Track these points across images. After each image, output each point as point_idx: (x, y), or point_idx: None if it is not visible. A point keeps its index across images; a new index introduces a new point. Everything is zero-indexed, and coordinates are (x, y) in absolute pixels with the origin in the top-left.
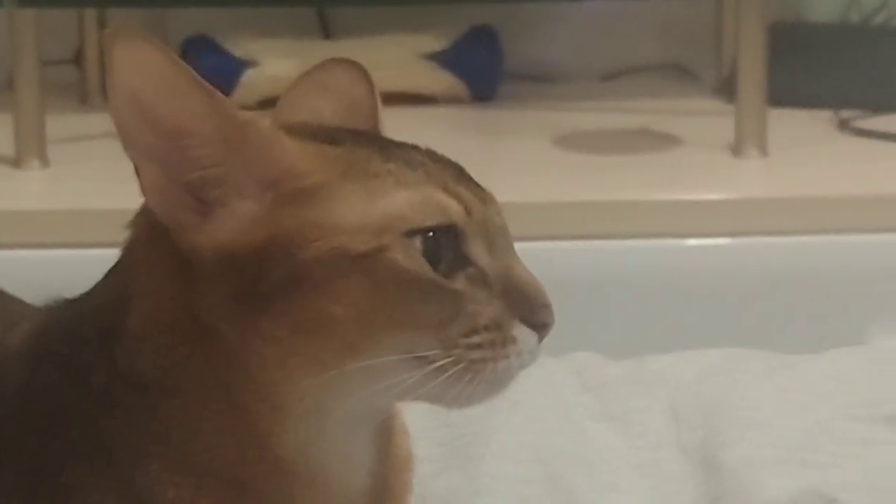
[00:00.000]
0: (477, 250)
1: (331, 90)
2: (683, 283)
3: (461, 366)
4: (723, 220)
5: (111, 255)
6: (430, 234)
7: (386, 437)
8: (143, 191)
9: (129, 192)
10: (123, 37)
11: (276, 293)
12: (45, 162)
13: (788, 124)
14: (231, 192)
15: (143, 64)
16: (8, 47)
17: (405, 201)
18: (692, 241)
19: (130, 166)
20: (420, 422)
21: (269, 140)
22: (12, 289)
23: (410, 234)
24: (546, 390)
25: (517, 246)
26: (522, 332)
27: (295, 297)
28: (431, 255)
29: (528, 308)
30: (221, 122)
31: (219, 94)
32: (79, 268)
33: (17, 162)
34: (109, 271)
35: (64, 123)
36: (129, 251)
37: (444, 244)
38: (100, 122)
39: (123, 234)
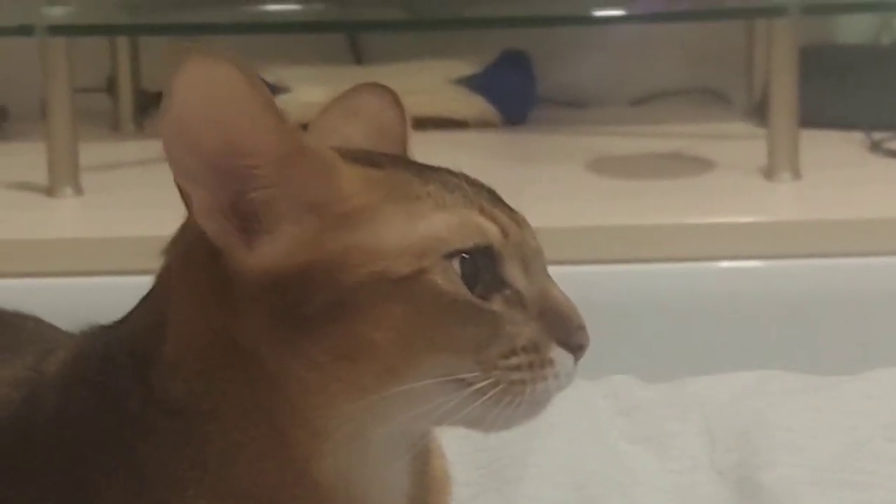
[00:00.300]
0: (513, 272)
1: (360, 116)
2: (717, 306)
3: (500, 387)
4: (756, 243)
5: (145, 283)
6: (467, 256)
7: (423, 461)
8: (196, 215)
9: (163, 220)
10: (195, 55)
11: (319, 318)
12: (78, 190)
13: (821, 146)
14: (280, 215)
15: (214, 80)
16: (40, 76)
17: (444, 223)
18: (725, 264)
19: (163, 194)
20: (456, 446)
21: (327, 165)
22: (47, 316)
23: (449, 256)
24: (582, 413)
25: (550, 270)
26: (559, 354)
27: (337, 322)
28: (469, 278)
29: (565, 330)
30: (285, 144)
31: (286, 115)
32: (113, 295)
33: (50, 190)
34: (144, 298)
35: (97, 151)
36: (164, 278)
37: (481, 266)
38: (133, 149)
39: (157, 262)
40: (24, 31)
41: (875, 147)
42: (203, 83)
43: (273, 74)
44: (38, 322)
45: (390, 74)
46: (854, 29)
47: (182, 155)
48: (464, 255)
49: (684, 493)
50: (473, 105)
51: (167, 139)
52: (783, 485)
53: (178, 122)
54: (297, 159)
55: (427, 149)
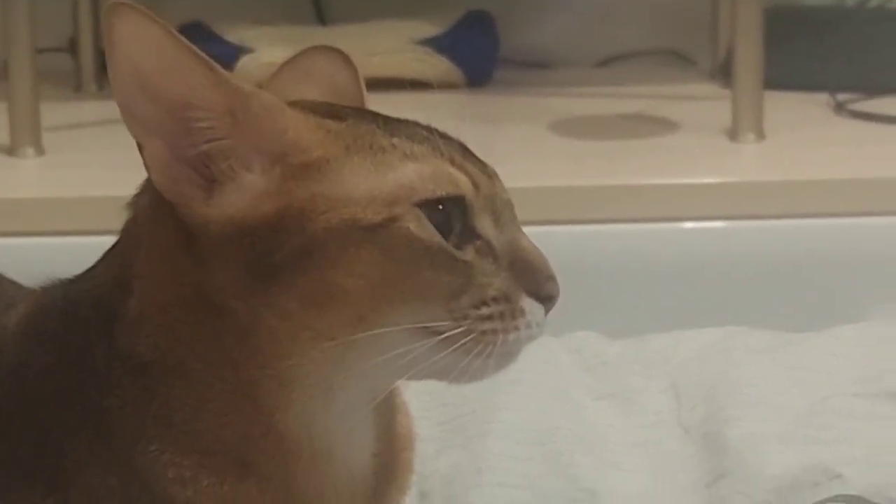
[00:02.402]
0: (484, 223)
1: (314, 77)
2: (681, 266)
3: (471, 337)
4: (720, 204)
5: (107, 242)
6: (440, 207)
7: (388, 417)
8: (147, 168)
9: (125, 180)
10: (124, 11)
11: (288, 266)
12: (39, 150)
13: (785, 108)
14: (238, 165)
15: (143, 38)
16: (2, 35)
17: (415, 173)
18: (689, 225)
19: (125, 154)
20: (420, 402)
21: (273, 111)
22: (7, 276)
23: (421, 204)
24: (546, 369)
25: None
26: (530, 305)
27: (307, 269)
28: (441, 228)
29: (535, 281)
30: (225, 94)
31: (219, 67)
32: (74, 255)
33: (11, 150)
34: (107, 253)
35: (58, 111)
36: (128, 232)
37: (453, 217)
38: (95, 109)
39: (120, 220)
40: None
41: (839, 108)
42: (140, 40)
43: (237, 35)
44: None
45: (354, 35)
46: None
47: (132, 108)
48: (437, 205)
49: (649, 449)
50: (437, 66)
51: (117, 92)
52: (748, 440)
53: (125, 75)
54: (242, 108)
55: (390, 110)
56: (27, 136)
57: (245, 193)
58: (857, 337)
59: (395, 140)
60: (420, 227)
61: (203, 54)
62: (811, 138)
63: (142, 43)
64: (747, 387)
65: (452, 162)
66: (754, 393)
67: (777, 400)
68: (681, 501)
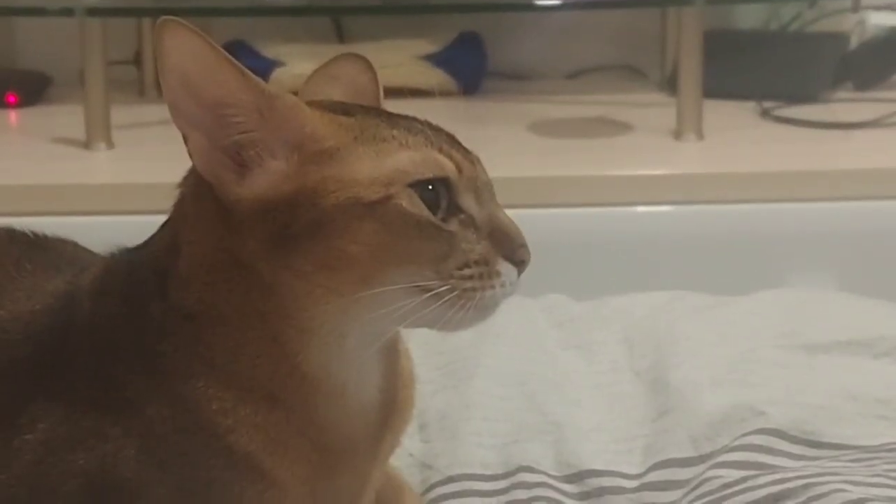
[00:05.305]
0: (467, 201)
1: (340, 79)
2: (635, 241)
3: (455, 293)
4: (666, 192)
5: (163, 220)
6: (430, 187)
7: (393, 359)
8: (190, 155)
9: (178, 169)
10: (173, 26)
11: (304, 235)
12: (110, 144)
13: (720, 113)
14: (264, 153)
15: (188, 48)
16: (79, 50)
17: (408, 159)
18: (641, 209)
19: (180, 148)
20: (419, 350)
21: (293, 110)
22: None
23: (413, 185)
24: (523, 324)
25: None
26: (505, 267)
27: (319, 238)
28: (430, 204)
29: (510, 247)
30: (254, 95)
31: (250, 73)
32: (136, 231)
33: (86, 144)
34: (162, 225)
35: (125, 113)
36: (179, 207)
37: (441, 195)
38: (155, 112)
39: (173, 201)
40: (66, 12)
41: (765, 114)
42: (186, 50)
43: (272, 51)
44: (75, 245)
45: (367, 52)
46: (748, 17)
47: (179, 105)
48: (427, 185)
49: (606, 390)
50: (436, 77)
51: (167, 93)
52: (687, 383)
53: (174, 79)
54: (268, 107)
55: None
56: (100, 133)
57: (269, 176)
58: (777, 300)
59: (394, 132)
60: (412, 204)
61: (237, 62)
62: (741, 138)
63: (187, 53)
64: (687, 340)
65: (440, 150)
66: (693, 345)
67: (712, 351)
68: (631, 432)
